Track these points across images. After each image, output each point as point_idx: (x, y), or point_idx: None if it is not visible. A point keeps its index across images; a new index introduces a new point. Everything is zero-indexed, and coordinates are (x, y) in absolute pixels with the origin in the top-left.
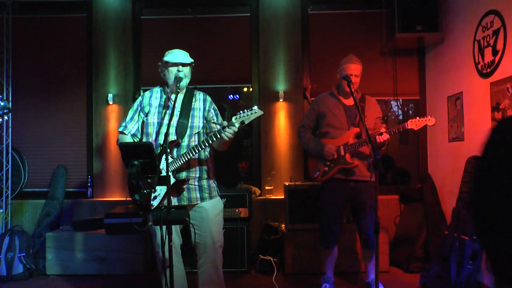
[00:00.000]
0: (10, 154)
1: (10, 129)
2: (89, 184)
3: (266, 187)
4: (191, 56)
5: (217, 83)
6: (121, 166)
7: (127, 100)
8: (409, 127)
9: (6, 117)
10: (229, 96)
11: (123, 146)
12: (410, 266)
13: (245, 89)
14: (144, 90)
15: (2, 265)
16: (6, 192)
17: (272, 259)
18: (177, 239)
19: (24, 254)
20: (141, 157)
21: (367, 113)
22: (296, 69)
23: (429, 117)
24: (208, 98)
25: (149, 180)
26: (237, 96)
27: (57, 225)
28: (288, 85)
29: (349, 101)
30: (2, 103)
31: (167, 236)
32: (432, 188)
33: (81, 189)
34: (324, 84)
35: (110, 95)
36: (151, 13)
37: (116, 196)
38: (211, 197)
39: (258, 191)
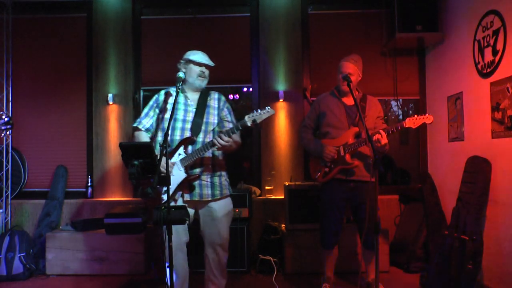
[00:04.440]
0: (10, 154)
1: (8, 132)
2: (89, 184)
3: (266, 187)
4: None
5: (217, 83)
6: (121, 166)
7: (127, 100)
8: (407, 126)
9: (9, 132)
10: (229, 96)
11: (123, 146)
12: (410, 266)
13: (245, 89)
14: (144, 90)
15: (2, 265)
16: (6, 192)
17: (272, 259)
18: (184, 236)
19: (24, 254)
20: (141, 157)
21: (367, 113)
22: (296, 69)
23: (427, 115)
24: (222, 98)
25: (162, 174)
26: (237, 96)
27: (57, 225)
28: (288, 85)
29: (350, 101)
30: (6, 119)
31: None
32: (432, 188)
33: (81, 189)
34: (324, 84)
35: (110, 95)
36: (151, 13)
37: (116, 196)
38: (221, 194)
39: (258, 191)
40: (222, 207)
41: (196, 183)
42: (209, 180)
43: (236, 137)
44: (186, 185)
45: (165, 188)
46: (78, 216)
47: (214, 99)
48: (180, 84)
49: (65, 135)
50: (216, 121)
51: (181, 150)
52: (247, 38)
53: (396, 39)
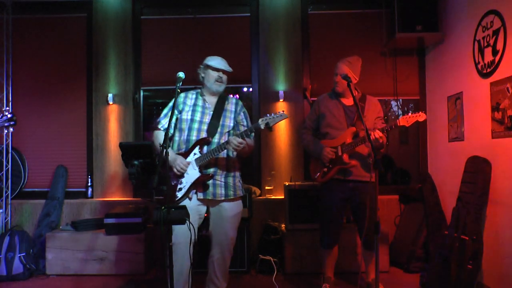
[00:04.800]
0: (10, 154)
1: (10, 129)
2: (89, 184)
3: (266, 187)
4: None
5: None
6: (121, 166)
7: (127, 100)
8: (400, 124)
9: (11, 129)
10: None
11: (123, 146)
12: (410, 266)
13: (245, 89)
14: (144, 90)
15: (2, 265)
16: (6, 192)
17: (272, 259)
18: (192, 235)
19: (24, 254)
20: (141, 157)
21: (366, 113)
22: (296, 69)
23: (420, 113)
24: (240, 102)
25: (177, 173)
26: (237, 96)
27: (57, 225)
28: (288, 85)
29: (349, 101)
30: (9, 115)
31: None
32: (432, 188)
33: (81, 189)
34: (324, 84)
35: (110, 95)
36: (151, 13)
37: (116, 196)
38: (235, 195)
39: (258, 191)
40: (232, 207)
41: (210, 182)
42: (223, 180)
43: (250, 140)
44: (201, 184)
45: (179, 186)
46: (78, 216)
47: (231, 103)
48: (180, 84)
49: (65, 135)
50: (232, 124)
51: (196, 150)
52: (247, 38)
53: (396, 39)
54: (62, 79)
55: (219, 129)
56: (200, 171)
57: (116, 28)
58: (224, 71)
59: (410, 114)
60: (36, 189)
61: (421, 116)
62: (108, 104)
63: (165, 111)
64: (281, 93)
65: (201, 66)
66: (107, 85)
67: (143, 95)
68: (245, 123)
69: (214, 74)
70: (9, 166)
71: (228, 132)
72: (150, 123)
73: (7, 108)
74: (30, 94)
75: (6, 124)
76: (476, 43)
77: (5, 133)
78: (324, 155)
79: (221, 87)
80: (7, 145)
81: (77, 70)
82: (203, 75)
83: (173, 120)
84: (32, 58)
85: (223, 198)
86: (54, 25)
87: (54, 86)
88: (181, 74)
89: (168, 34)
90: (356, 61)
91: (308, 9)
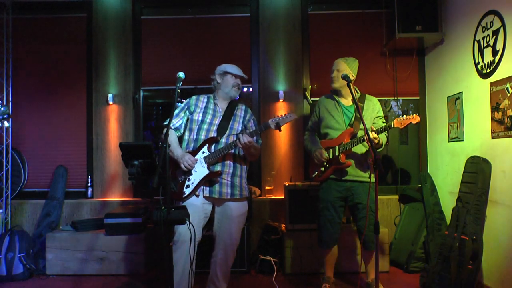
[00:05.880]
0: (10, 154)
1: (10, 129)
2: (89, 184)
3: (266, 187)
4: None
5: None
6: (121, 166)
7: (127, 100)
8: (395, 126)
9: (6, 123)
10: None
11: (123, 146)
12: (410, 266)
13: (245, 89)
14: (144, 90)
15: (2, 265)
16: (6, 192)
17: (272, 259)
18: (193, 235)
19: (24, 254)
20: (141, 157)
21: (365, 113)
22: (296, 69)
23: (414, 115)
24: (249, 110)
25: (184, 169)
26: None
27: (57, 225)
28: (288, 85)
29: (348, 102)
30: (2, 108)
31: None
32: (432, 188)
33: (81, 189)
34: (324, 84)
35: (110, 95)
36: (151, 13)
37: (116, 196)
38: (241, 195)
39: (258, 191)
40: (238, 207)
41: (217, 181)
42: (229, 179)
43: (257, 145)
44: (208, 181)
45: (187, 182)
46: (78, 216)
47: (241, 110)
48: (180, 84)
49: (65, 135)
50: (240, 128)
51: (205, 148)
52: (247, 38)
53: (396, 40)
54: (62, 79)
55: (227, 131)
56: (208, 169)
57: (116, 28)
58: (241, 78)
59: (405, 116)
60: (36, 189)
61: (414, 119)
62: (108, 104)
63: (176, 111)
64: (281, 93)
65: (217, 73)
66: (107, 85)
67: (143, 95)
68: (253, 129)
69: (233, 81)
70: (9, 166)
71: (235, 134)
72: (150, 123)
73: (0, 101)
74: (30, 94)
75: None
76: (476, 43)
77: (4, 129)
78: (316, 154)
79: (237, 93)
80: (7, 145)
81: (77, 70)
82: (219, 80)
83: (184, 120)
84: (32, 58)
85: (229, 197)
86: (54, 25)
87: (54, 86)
88: (181, 74)
89: (168, 34)
90: (352, 61)
91: (308, 9)
